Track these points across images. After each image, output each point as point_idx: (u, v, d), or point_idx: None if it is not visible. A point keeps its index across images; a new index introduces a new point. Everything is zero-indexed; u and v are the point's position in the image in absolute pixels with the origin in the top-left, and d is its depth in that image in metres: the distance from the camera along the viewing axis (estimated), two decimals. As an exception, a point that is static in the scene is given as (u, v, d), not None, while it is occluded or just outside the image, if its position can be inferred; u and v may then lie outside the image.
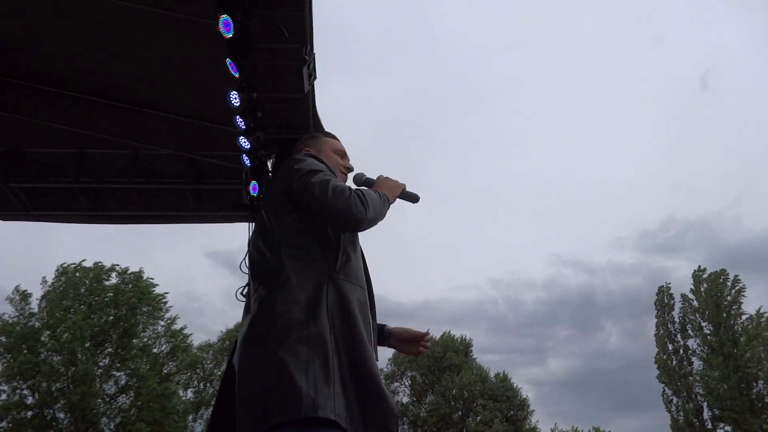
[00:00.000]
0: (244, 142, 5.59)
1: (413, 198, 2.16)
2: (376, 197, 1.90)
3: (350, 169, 2.22)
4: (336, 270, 1.77)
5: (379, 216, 1.89)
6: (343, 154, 2.25)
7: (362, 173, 2.25)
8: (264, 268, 1.81)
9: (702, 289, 28.44)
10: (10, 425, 21.75)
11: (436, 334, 36.00)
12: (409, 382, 34.84)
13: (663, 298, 30.78)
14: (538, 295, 67.37)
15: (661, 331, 29.93)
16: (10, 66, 6.02)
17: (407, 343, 2.23)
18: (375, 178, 2.19)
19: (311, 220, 1.84)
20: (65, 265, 25.71)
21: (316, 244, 1.81)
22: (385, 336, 2.22)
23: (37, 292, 25.02)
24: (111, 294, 25.21)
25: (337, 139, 2.31)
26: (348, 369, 1.59)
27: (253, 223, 6.03)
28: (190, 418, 29.86)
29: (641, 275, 58.88)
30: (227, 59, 4.74)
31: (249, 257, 1.96)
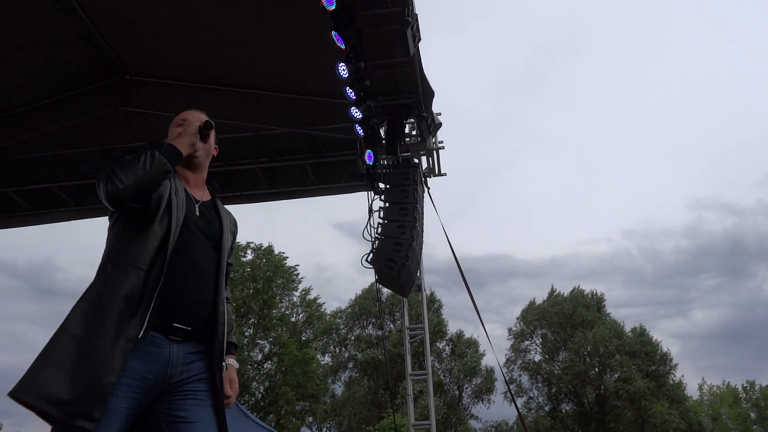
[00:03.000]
0: (356, 113, 5.68)
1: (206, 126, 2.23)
2: (135, 162, 1.90)
3: (187, 125, 2.22)
4: (111, 255, 1.92)
5: (143, 177, 1.89)
6: (178, 123, 2.27)
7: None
8: None
9: None
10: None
11: (565, 290, 35.05)
12: (540, 340, 34.32)
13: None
14: (678, 244, 62.57)
15: (825, 274, 26.85)
16: (142, 66, 6.58)
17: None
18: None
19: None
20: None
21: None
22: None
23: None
24: (249, 269, 27.15)
25: (184, 112, 2.35)
26: (66, 350, 1.69)
27: (372, 191, 6.16)
28: (330, 380, 31.73)
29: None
30: (333, 32, 4.80)
31: None
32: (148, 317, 1.78)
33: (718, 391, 38.05)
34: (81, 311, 1.75)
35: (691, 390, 35.45)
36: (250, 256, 27.78)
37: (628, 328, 32.60)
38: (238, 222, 2.42)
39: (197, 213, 2.10)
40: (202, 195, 2.23)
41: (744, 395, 36.02)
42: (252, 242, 28.03)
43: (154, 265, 1.85)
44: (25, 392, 1.59)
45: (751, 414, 34.36)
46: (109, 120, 6.82)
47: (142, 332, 1.76)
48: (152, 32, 5.92)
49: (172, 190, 2.02)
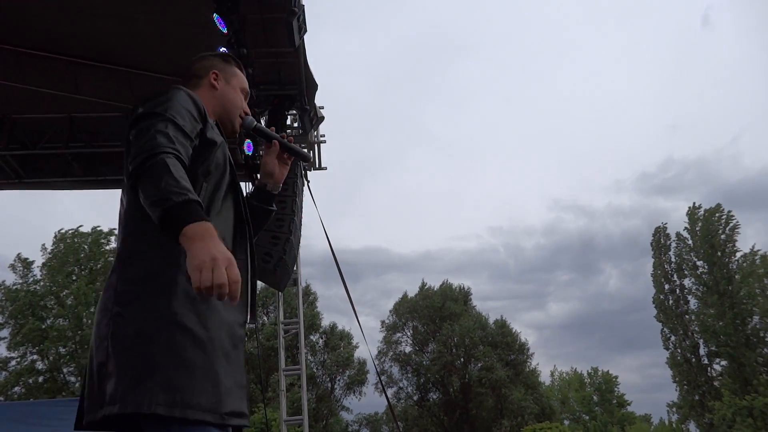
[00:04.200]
0: (237, 100, 5.49)
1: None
2: (170, 172, 1.34)
3: (247, 114, 1.98)
4: None
5: (156, 190, 1.32)
6: (246, 94, 2.02)
7: (254, 119, 2.01)
8: (119, 228, 1.68)
9: (697, 228, 28.70)
10: (23, 390, 22.22)
11: (436, 284, 36.54)
12: (411, 332, 35.50)
13: (659, 238, 31.11)
14: (538, 241, 68.01)
15: (658, 272, 30.39)
16: (-10, 30, 5.86)
17: (276, 165, 2.04)
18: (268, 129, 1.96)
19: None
20: (63, 231, 25.77)
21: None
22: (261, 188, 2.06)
23: (38, 260, 25.16)
24: (111, 259, 25.32)
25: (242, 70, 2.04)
26: (185, 346, 1.39)
27: (250, 183, 6.00)
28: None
29: (640, 217, 59.35)
30: (214, 14, 4.60)
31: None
32: (250, 298, 1.63)
33: (566, 377, 41.80)
34: (183, 299, 1.42)
35: (544, 376, 38.65)
36: (113, 245, 25.94)
37: (491, 320, 34.74)
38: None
39: None
40: None
41: (588, 380, 39.82)
42: (116, 230, 26.17)
43: (239, 244, 1.68)
44: (176, 406, 1.32)
45: (594, 397, 38.09)
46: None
47: (249, 316, 1.63)
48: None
49: (230, 162, 1.73)
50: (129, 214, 1.58)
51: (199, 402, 1.35)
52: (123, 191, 1.67)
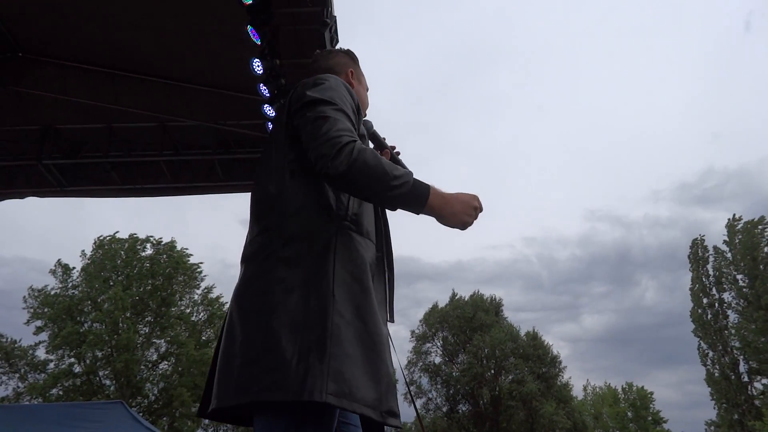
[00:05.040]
0: (269, 110, 5.58)
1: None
2: (383, 165, 1.44)
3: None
4: (346, 219, 1.54)
5: (372, 187, 1.42)
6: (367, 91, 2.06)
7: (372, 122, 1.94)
8: (263, 212, 1.59)
9: (737, 240, 27.83)
10: (61, 392, 22.79)
11: (467, 294, 36.25)
12: (441, 342, 35.23)
13: (697, 250, 30.27)
14: (573, 252, 66.94)
15: (696, 285, 29.54)
16: (38, 44, 6.09)
17: None
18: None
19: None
20: (101, 238, 26.40)
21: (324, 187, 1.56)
22: None
23: (77, 266, 25.83)
24: (147, 264, 25.87)
25: None
26: (349, 339, 1.37)
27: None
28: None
29: (679, 228, 58.00)
30: (248, 26, 4.69)
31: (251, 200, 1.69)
32: (388, 296, 1.64)
33: (600, 392, 40.84)
34: (345, 290, 1.43)
35: (577, 390, 37.92)
36: (149, 251, 26.50)
37: (522, 332, 34.24)
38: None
39: None
40: None
41: (623, 395, 38.85)
42: (152, 236, 26.77)
43: (378, 240, 1.67)
44: (344, 397, 1.30)
45: (629, 413, 37.12)
46: (-4, 99, 6.29)
47: (388, 316, 1.63)
48: (51, 8, 5.50)
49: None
50: (287, 199, 1.54)
51: (363, 396, 1.33)
52: (265, 176, 1.64)
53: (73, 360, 23.44)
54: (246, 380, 1.32)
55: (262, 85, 5.30)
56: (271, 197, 1.57)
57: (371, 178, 1.41)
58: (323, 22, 4.91)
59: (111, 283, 24.77)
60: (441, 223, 1.50)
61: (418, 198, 1.45)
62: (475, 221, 1.54)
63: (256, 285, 1.45)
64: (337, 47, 4.93)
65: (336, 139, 1.44)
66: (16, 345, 23.39)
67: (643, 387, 37.88)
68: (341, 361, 1.32)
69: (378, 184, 1.42)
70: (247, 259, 1.55)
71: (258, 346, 1.35)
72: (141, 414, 22.43)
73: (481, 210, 1.55)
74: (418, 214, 1.48)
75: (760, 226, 27.10)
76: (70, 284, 25.12)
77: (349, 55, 2.04)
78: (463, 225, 1.52)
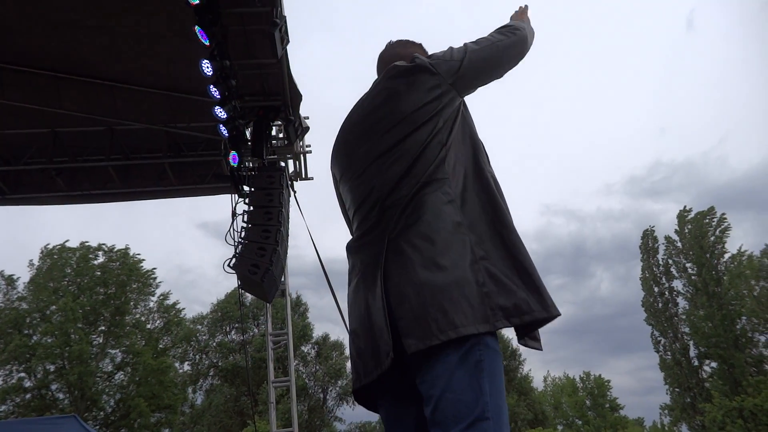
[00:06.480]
0: (220, 112, 5.49)
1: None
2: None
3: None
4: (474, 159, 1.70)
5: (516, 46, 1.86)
6: None
7: None
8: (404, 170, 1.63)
9: (686, 231, 28.90)
10: (10, 408, 21.89)
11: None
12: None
13: (648, 241, 31.28)
14: (530, 246, 67.14)
15: (647, 275, 30.52)
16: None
17: None
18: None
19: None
20: (50, 247, 25.48)
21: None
22: None
23: (24, 276, 24.87)
24: (99, 273, 25.10)
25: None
26: (501, 263, 1.52)
27: (237, 194, 5.96)
28: (189, 389, 30.25)
29: (630, 220, 59.78)
30: (196, 27, 4.61)
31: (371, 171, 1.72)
32: None
33: (559, 382, 41.76)
34: (517, 235, 1.63)
35: (537, 382, 38.64)
36: (101, 259, 25.70)
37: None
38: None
39: None
40: None
41: (581, 384, 39.82)
42: (104, 244, 25.98)
43: None
44: (553, 308, 1.51)
45: (587, 401, 38.10)
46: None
47: None
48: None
49: None
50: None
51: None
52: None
53: (22, 375, 22.55)
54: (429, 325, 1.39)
55: (212, 86, 5.21)
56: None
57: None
58: (273, 22, 4.86)
59: (61, 294, 23.93)
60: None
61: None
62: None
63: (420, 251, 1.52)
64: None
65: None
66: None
67: (600, 375, 38.91)
68: (542, 283, 1.57)
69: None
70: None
71: (427, 291, 1.45)
72: (97, 427, 21.79)
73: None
74: None
75: (708, 217, 28.20)
76: (16, 296, 24.16)
77: (423, 49, 2.06)
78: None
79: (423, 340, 1.37)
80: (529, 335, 1.61)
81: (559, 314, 1.51)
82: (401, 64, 1.76)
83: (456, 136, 1.67)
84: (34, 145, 6.58)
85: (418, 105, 1.65)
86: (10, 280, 24.40)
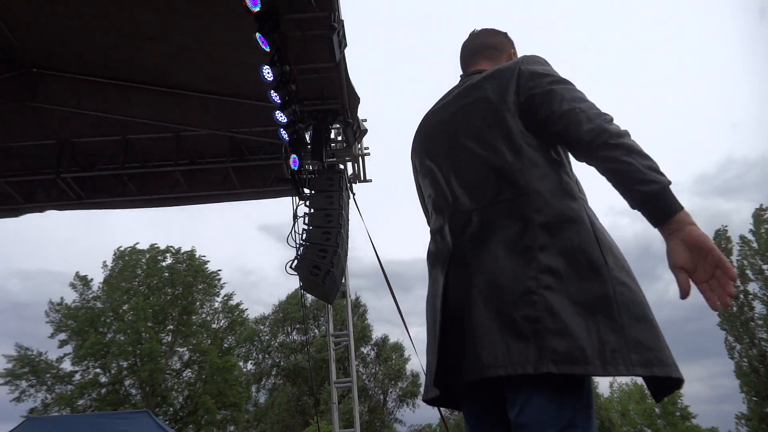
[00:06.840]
0: (281, 116, 5.59)
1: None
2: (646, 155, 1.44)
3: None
4: (581, 191, 1.63)
5: (629, 163, 1.42)
6: None
7: None
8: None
9: (762, 230, 27.30)
10: (87, 402, 23.09)
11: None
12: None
13: (720, 242, 29.73)
14: (592, 250, 66.20)
15: (720, 277, 28.96)
16: (51, 59, 6.18)
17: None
18: None
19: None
20: (121, 249, 26.74)
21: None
22: None
23: (98, 277, 26.17)
24: (167, 274, 26.13)
25: None
26: (627, 304, 1.40)
27: (297, 197, 6.05)
28: (253, 388, 31.03)
29: (700, 220, 56.04)
30: (256, 33, 4.71)
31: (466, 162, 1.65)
32: None
33: (626, 389, 40.28)
34: (624, 270, 1.47)
35: (603, 388, 37.38)
36: (169, 261, 26.76)
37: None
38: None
39: None
40: None
41: (650, 392, 38.23)
42: (172, 246, 27.04)
43: None
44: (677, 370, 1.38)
45: (656, 409, 36.58)
46: (13, 115, 6.38)
47: None
48: (62, 23, 5.56)
49: None
50: (541, 174, 1.55)
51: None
52: (501, 145, 1.60)
53: (98, 370, 23.74)
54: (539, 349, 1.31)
55: (272, 91, 5.31)
56: (512, 171, 1.55)
57: (638, 154, 1.40)
58: (330, 26, 4.90)
59: (132, 294, 25.06)
60: (672, 250, 1.39)
61: (672, 202, 1.37)
62: (718, 255, 1.31)
63: (522, 259, 1.46)
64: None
65: (604, 113, 1.50)
66: (41, 358, 23.74)
67: (669, 382, 37.27)
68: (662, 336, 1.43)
69: (640, 162, 1.39)
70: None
71: (533, 314, 1.37)
72: (167, 422, 22.64)
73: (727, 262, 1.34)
74: (656, 224, 1.41)
75: (785, 215, 26.58)
76: (91, 296, 25.44)
77: (509, 38, 2.02)
78: (702, 247, 1.33)
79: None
80: None
81: None
82: None
83: None
84: (107, 152, 6.90)
85: None
86: (86, 281, 25.72)
